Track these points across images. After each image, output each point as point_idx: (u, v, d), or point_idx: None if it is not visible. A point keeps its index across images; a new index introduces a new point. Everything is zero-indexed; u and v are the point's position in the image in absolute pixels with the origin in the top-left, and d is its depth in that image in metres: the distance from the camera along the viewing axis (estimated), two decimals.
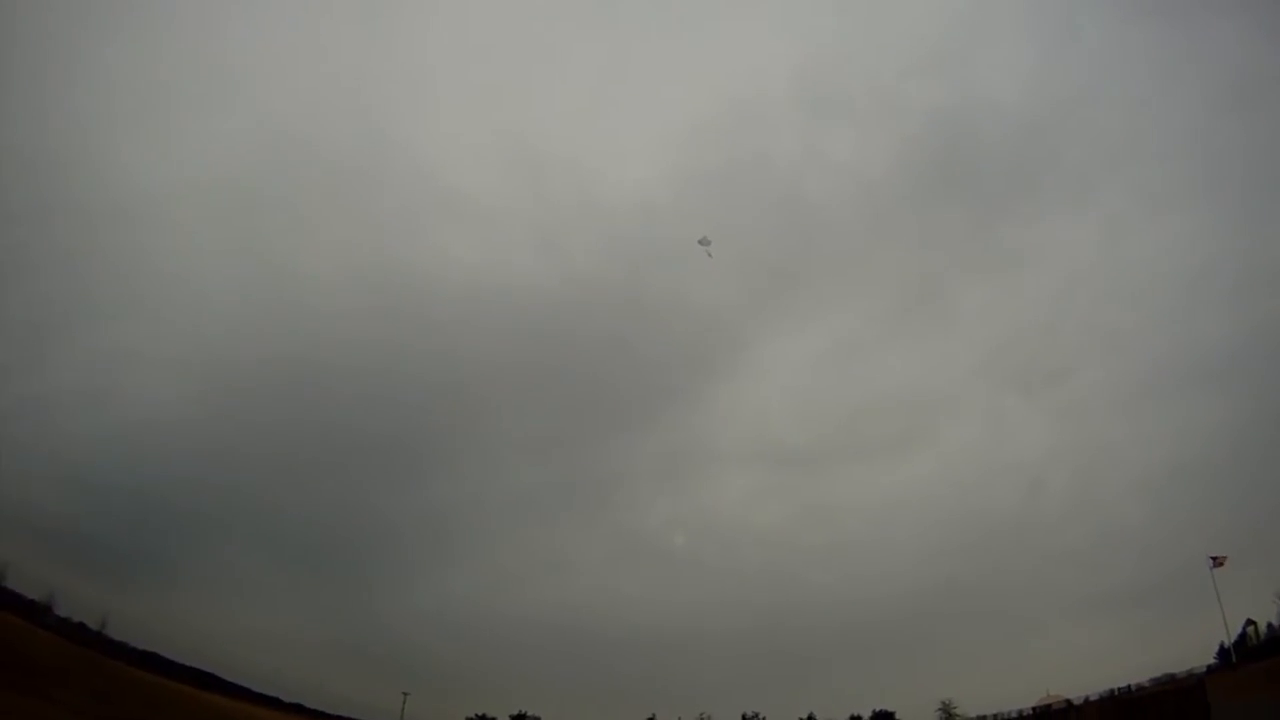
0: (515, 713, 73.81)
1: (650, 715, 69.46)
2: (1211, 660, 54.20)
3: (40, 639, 47.33)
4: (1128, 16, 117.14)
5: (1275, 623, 54.65)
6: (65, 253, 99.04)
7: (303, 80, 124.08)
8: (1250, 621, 55.90)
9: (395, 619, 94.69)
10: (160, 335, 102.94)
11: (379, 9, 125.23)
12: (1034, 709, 59.83)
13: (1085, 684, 59.66)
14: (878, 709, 63.74)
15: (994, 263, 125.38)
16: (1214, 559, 53.70)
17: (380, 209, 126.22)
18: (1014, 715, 60.31)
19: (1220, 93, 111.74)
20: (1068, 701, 57.44)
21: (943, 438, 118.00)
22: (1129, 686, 55.52)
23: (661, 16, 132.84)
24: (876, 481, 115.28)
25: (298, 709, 68.43)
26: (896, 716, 63.27)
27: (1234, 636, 54.54)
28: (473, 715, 75.15)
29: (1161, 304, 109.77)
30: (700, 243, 59.13)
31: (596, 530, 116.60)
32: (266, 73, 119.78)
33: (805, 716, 64.05)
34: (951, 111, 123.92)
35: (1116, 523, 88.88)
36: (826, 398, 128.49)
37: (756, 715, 65.53)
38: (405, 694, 72.94)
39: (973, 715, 61.21)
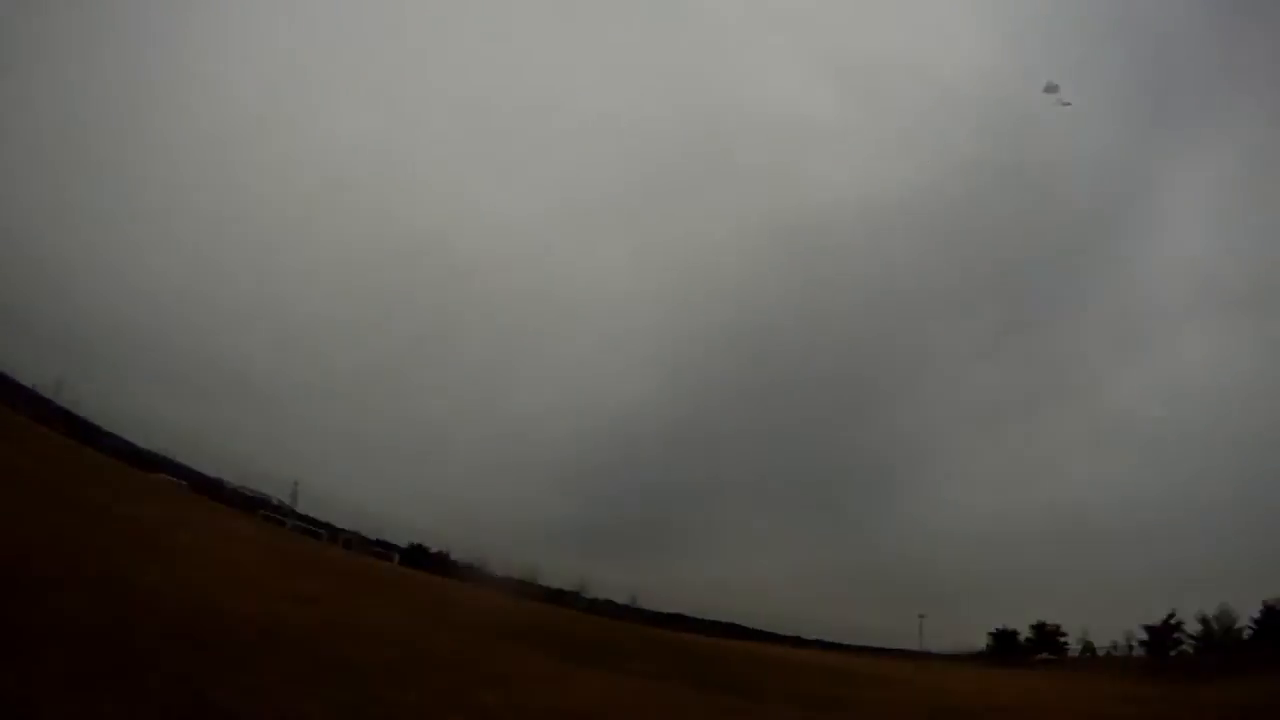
0: (1034, 623, 67.36)
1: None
2: None
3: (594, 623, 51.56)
4: None
5: None
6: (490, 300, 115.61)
7: (631, 64, 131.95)
8: None
9: (897, 541, 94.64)
10: (600, 343, 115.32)
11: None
12: None
13: None
14: None
15: None
16: None
17: (745, 164, 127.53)
18: None
19: None
20: None
21: None
22: None
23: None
24: None
25: (818, 644, 67.85)
26: None
27: None
28: (994, 630, 69.45)
29: None
30: (1046, 90, 56.52)
31: (1065, 420, 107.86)
32: (601, 70, 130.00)
33: None
34: None
35: None
36: (1259, 217, 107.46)
37: None
38: (921, 616, 70.63)
39: None
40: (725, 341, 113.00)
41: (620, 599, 70.43)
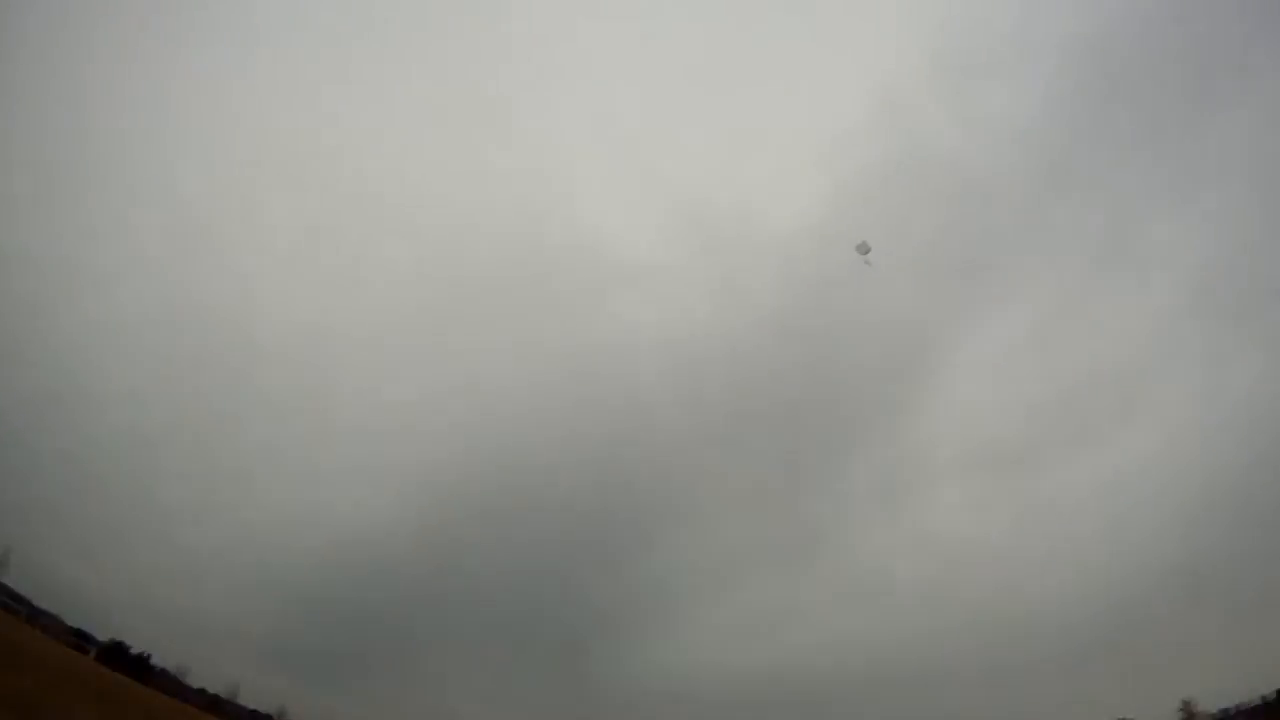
0: None
1: None
2: None
3: None
4: None
5: None
6: (266, 391, 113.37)
7: (454, 194, 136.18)
8: None
9: (623, 694, 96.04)
10: (359, 454, 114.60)
11: (499, 106, 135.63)
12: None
13: None
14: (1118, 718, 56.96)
15: (1181, 184, 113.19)
16: None
17: (554, 296, 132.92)
18: (1257, 704, 52.20)
19: None
20: None
21: (1163, 397, 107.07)
22: None
23: (778, 37, 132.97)
24: (1094, 465, 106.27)
25: None
26: None
27: None
28: None
29: None
30: (858, 250, 54.75)
31: (816, 574, 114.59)
32: (419, 194, 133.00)
33: None
34: (1087, 37, 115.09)
35: None
36: (1032, 385, 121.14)
37: None
38: None
39: (1214, 711, 53.45)
40: (486, 473, 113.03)
41: None
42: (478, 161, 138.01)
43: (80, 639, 64.50)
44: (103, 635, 68.65)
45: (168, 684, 63.68)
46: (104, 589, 79.60)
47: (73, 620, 68.59)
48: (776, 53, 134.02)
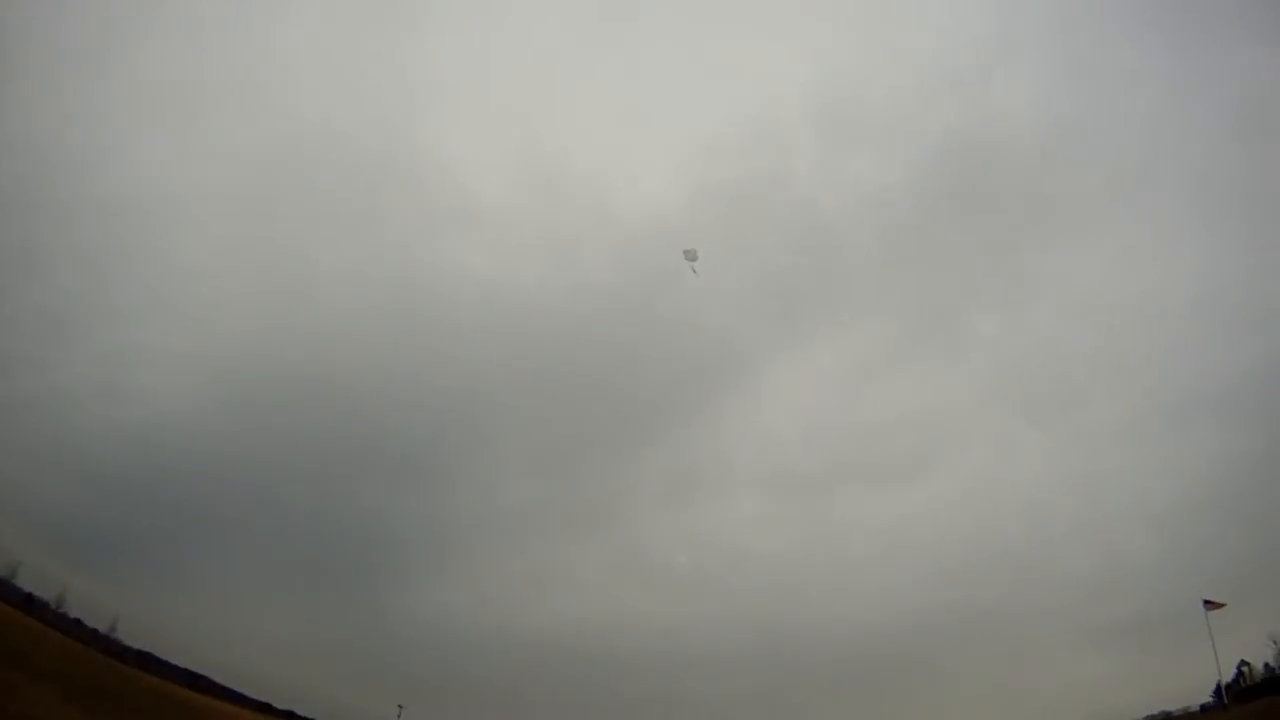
0: None
1: None
2: (1208, 699, 53.55)
3: (49, 637, 48.91)
4: (1141, 41, 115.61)
5: (1272, 663, 53.90)
6: (85, 248, 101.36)
7: (325, 84, 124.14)
8: (1244, 663, 55.23)
9: (395, 627, 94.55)
10: (176, 332, 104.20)
11: (400, 17, 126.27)
12: None
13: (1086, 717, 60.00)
14: None
15: (1006, 289, 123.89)
16: (1208, 602, 49.26)
17: (398, 211, 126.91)
18: None
19: (1230, 118, 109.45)
20: None
21: (951, 463, 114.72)
22: None
23: (678, 34, 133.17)
24: (884, 505, 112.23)
25: (288, 715, 68.86)
26: None
27: (1229, 677, 53.96)
28: None
29: (1173, 332, 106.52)
30: (686, 256, 53.78)
31: (600, 546, 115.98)
32: (289, 76, 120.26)
33: None
34: (966, 134, 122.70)
35: (1122, 553, 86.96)
36: (836, 420, 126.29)
37: None
38: (400, 706, 72.49)
39: None
40: (297, 383, 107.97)
41: (98, 624, 64.07)
42: (350, 62, 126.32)
43: None
44: None
45: None
46: None
47: None
48: (679, 37, 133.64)
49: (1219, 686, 52.61)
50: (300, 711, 70.65)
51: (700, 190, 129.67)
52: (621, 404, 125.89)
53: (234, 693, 66.37)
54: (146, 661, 60.66)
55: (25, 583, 60.74)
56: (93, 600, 68.31)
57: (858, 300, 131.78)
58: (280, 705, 70.04)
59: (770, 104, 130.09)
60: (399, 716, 72.16)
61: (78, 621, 61.68)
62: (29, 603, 59.97)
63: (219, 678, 66.97)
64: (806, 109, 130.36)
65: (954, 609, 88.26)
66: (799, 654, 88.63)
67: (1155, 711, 55.77)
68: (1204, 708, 53.46)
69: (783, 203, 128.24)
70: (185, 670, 64.08)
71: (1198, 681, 54.94)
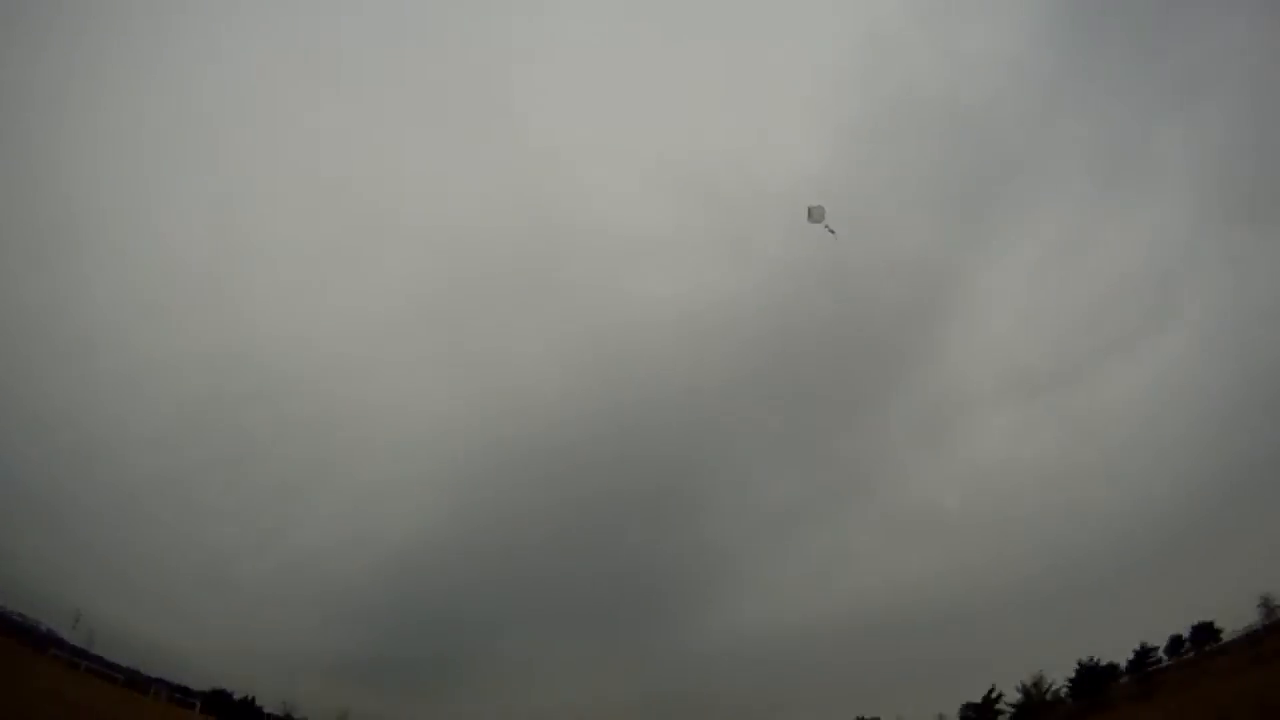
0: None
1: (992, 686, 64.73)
2: None
3: None
4: None
5: None
6: (287, 426, 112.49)
7: (450, 193, 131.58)
8: None
9: (699, 661, 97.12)
10: (400, 471, 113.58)
11: (487, 99, 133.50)
12: None
13: None
14: (1195, 623, 59.93)
15: (1176, 95, 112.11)
16: None
17: (571, 284, 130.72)
18: None
19: None
20: None
21: (1189, 304, 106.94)
22: None
23: None
24: (1134, 377, 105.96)
25: None
26: (1216, 625, 58.94)
27: None
28: None
29: None
30: (811, 217, 47.10)
31: (865, 517, 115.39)
32: (415, 196, 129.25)
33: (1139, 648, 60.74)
34: None
35: None
36: (1058, 303, 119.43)
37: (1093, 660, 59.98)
38: None
39: None
40: (527, 464, 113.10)
41: None
42: (471, 157, 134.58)
43: (182, 694, 64.33)
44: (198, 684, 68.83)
45: None
46: (168, 639, 79.46)
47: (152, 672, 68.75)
48: (752, 5, 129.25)
49: None
50: None
51: (840, 132, 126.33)
52: (844, 369, 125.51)
53: None
54: None
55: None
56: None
57: (1034, 170, 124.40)
58: None
59: (865, 18, 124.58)
60: None
61: None
62: None
63: None
64: (903, 7, 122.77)
65: (1240, 460, 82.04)
66: (1079, 564, 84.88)
67: None
68: None
69: (924, 104, 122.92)
70: None
71: None
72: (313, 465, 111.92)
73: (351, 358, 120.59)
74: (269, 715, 68.38)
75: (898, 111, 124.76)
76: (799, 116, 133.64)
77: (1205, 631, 59.66)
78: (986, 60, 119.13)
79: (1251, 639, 53.21)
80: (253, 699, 67.94)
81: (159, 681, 64.42)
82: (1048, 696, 60.78)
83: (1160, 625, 62.61)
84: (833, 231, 49.17)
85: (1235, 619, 58.28)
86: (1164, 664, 60.57)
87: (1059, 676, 61.24)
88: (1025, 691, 61.81)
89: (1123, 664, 61.52)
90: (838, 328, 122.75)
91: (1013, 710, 62.89)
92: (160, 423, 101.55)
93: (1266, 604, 55.70)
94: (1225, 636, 58.46)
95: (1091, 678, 59.71)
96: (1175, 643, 61.60)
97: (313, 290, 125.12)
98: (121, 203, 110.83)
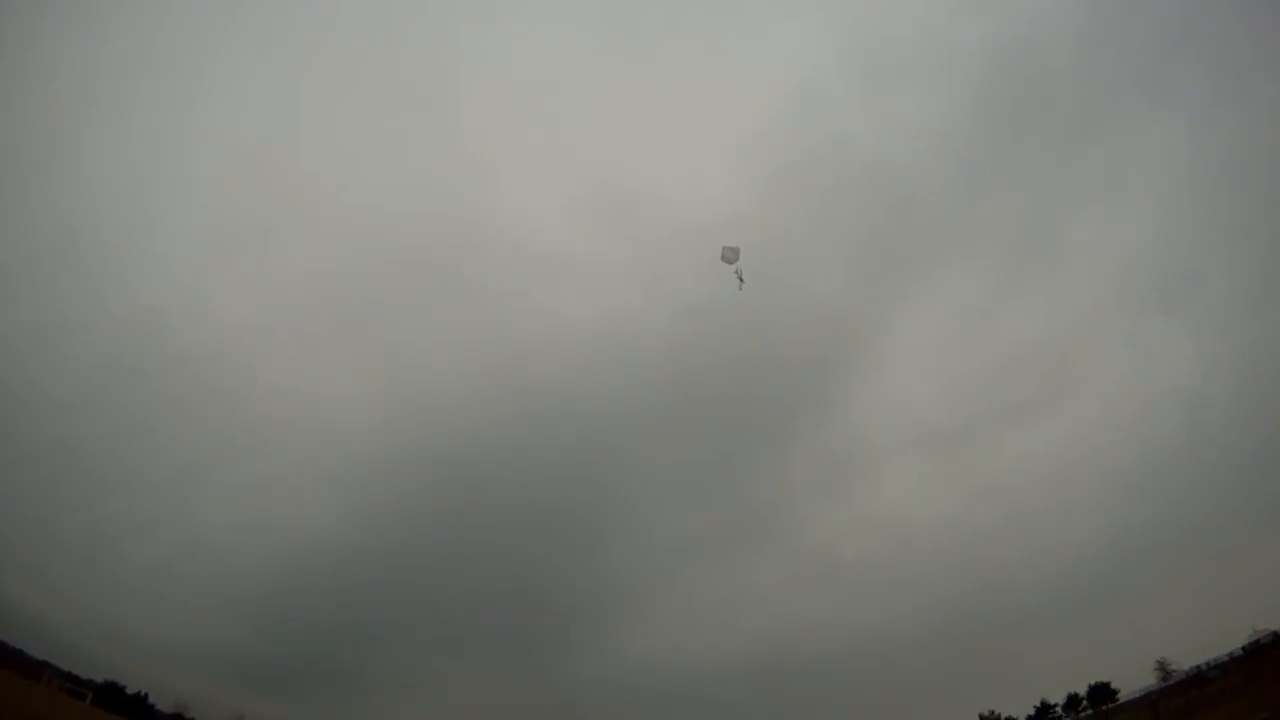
0: None
1: None
2: None
3: None
4: None
5: None
6: (190, 400, 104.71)
7: (377, 183, 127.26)
8: None
9: (589, 683, 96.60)
10: (300, 460, 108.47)
11: (426, 96, 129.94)
12: (1244, 648, 59.98)
13: None
14: (1092, 682, 65.36)
15: (1090, 186, 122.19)
16: None
17: (484, 290, 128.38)
18: (1225, 659, 60.38)
19: None
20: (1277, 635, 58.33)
21: (1092, 378, 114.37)
22: None
23: (695, 32, 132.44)
24: (1035, 441, 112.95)
25: None
26: (1112, 686, 64.83)
27: None
28: None
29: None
30: (725, 258, 44.98)
31: (770, 555, 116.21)
32: (341, 181, 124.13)
33: (1040, 704, 65.57)
34: (1007, 41, 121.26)
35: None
36: (964, 366, 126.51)
37: (993, 714, 65.95)
38: None
39: (1186, 667, 61.87)
40: (429, 469, 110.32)
41: None
42: (400, 150, 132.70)
43: (73, 683, 57.69)
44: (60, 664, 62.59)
45: None
46: (45, 614, 72.73)
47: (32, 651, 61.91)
48: (694, 49, 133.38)
49: None
50: None
51: (766, 178, 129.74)
52: (752, 412, 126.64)
53: None
54: None
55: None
56: None
57: (950, 241, 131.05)
58: None
59: (807, 71, 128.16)
60: None
61: None
62: None
63: None
64: (843, 64, 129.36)
65: (1139, 527, 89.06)
66: (988, 619, 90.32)
67: None
68: None
69: (849, 165, 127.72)
70: None
71: None
72: (211, 447, 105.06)
73: (257, 336, 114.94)
74: (161, 714, 62.79)
75: (824, 165, 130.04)
76: (727, 158, 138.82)
77: (1102, 691, 64.79)
78: (917, 127, 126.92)
79: (1149, 699, 58.22)
80: (145, 695, 62.54)
81: (44, 665, 57.59)
82: None
83: (1056, 684, 67.65)
84: (741, 281, 47.85)
85: (1130, 680, 64.04)
86: None
87: None
88: None
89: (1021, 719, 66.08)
90: (745, 371, 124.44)
91: None
92: (61, 385, 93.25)
93: (1163, 667, 61.15)
94: (1122, 696, 63.72)
95: None
96: (1072, 700, 66.50)
97: (223, 264, 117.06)
98: (35, 158, 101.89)
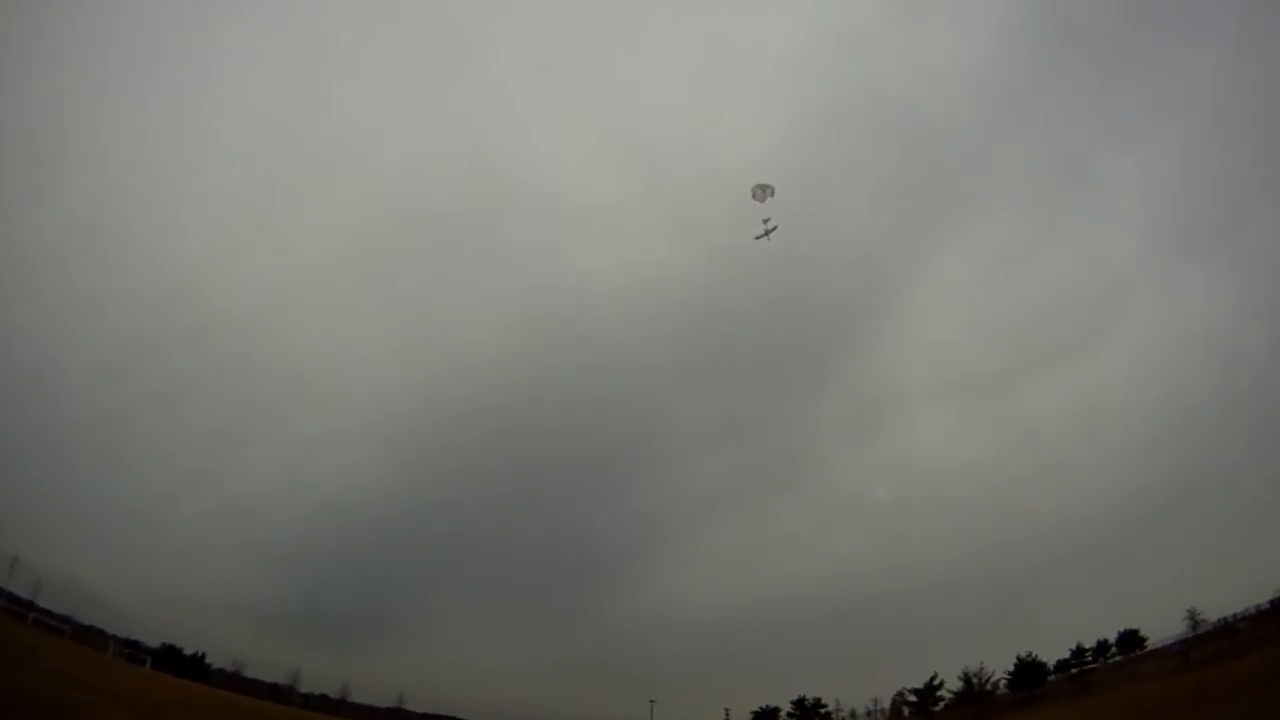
0: (794, 699, 73.06)
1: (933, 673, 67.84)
2: None
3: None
4: None
5: None
6: (225, 366, 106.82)
7: (403, 139, 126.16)
8: None
9: (627, 629, 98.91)
10: (336, 418, 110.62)
11: (451, 49, 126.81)
12: (1272, 601, 59.12)
13: None
14: (1122, 629, 65.78)
15: (1129, 120, 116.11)
16: None
17: (513, 244, 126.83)
18: (1252, 611, 60.16)
19: None
20: None
21: (1127, 322, 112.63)
22: None
23: None
24: (1070, 387, 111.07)
25: None
26: (1141, 634, 65.32)
27: None
28: (755, 709, 74.97)
29: None
30: (756, 198, 46.07)
31: (801, 501, 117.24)
32: (367, 138, 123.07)
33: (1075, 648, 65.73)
34: None
35: None
36: (1001, 310, 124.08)
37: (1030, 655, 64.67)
38: (652, 701, 75.51)
39: (1214, 618, 61.97)
40: (464, 422, 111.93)
41: (331, 692, 71.68)
42: (425, 102, 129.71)
43: (131, 649, 60.71)
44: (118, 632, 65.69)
45: (231, 682, 62.09)
46: (99, 583, 75.68)
47: (86, 619, 64.84)
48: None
49: None
50: None
51: (799, 121, 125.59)
52: (785, 356, 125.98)
53: None
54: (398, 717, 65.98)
55: (267, 674, 68.65)
56: (328, 674, 75.53)
57: (984, 183, 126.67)
58: None
59: (833, 13, 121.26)
60: (652, 712, 75.26)
61: (324, 698, 68.74)
62: (276, 692, 67.17)
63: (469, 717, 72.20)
64: (873, 7, 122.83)
65: (1174, 475, 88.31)
66: (1011, 564, 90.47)
67: None
68: None
69: (881, 106, 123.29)
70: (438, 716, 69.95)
71: None
72: (248, 409, 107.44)
73: (288, 298, 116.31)
74: (219, 671, 65.70)
75: (857, 106, 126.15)
76: (757, 100, 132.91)
77: (1131, 638, 65.43)
78: (951, 66, 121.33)
79: (1180, 647, 58.72)
80: (202, 655, 65.22)
81: (103, 634, 60.46)
82: (987, 687, 65.54)
83: (1087, 629, 67.75)
84: (768, 232, 48.99)
85: (1160, 628, 64.14)
86: (1092, 665, 66.24)
87: (996, 669, 65.57)
88: (966, 680, 65.73)
89: (1051, 663, 66.71)
90: (778, 315, 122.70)
91: (953, 697, 67.21)
92: (97, 357, 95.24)
93: (1193, 616, 61.54)
94: (1151, 644, 64.37)
95: (1029, 672, 64.73)
96: (1102, 646, 67.24)
97: (251, 227, 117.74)
98: (63, 135, 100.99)
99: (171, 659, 61.27)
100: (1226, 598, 61.61)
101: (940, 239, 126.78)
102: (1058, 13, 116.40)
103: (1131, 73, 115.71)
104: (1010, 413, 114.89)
